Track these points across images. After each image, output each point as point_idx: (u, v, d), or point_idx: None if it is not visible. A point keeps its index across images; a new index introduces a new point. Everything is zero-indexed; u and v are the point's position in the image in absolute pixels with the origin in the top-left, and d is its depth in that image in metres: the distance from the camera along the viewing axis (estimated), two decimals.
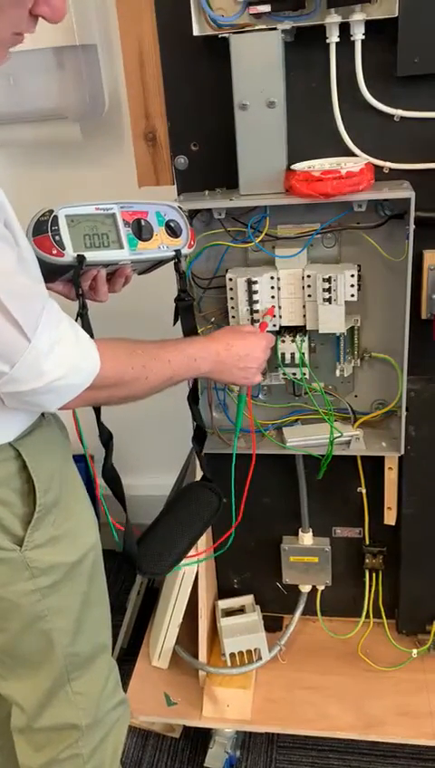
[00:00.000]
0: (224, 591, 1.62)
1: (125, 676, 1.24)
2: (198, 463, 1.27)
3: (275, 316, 1.23)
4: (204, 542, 1.44)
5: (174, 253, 1.05)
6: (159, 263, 1.09)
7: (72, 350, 0.82)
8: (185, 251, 1.07)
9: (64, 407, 0.85)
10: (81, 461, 1.10)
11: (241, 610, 1.58)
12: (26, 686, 0.99)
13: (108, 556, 1.05)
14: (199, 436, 1.20)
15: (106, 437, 0.99)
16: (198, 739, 1.56)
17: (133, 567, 1.04)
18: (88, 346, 0.84)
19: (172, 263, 1.07)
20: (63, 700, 1.01)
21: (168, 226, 1.04)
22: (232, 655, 1.50)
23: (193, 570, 1.47)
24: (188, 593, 1.50)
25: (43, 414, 0.95)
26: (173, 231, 1.05)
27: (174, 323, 1.13)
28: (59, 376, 0.80)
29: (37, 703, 1.00)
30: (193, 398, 1.17)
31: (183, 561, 1.09)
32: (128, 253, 0.99)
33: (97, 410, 0.99)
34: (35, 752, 1.03)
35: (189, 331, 1.13)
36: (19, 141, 1.63)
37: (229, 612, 1.57)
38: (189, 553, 1.10)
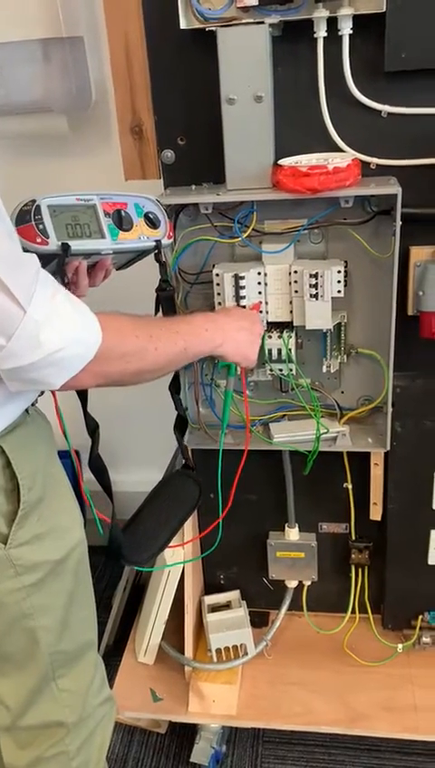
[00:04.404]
0: (210, 587, 1.62)
1: (111, 673, 1.24)
2: None
3: (260, 311, 1.23)
4: (191, 537, 1.44)
5: (155, 243, 1.06)
6: (137, 256, 1.10)
7: (72, 319, 0.79)
8: (165, 242, 1.08)
9: (73, 384, 0.82)
10: (65, 457, 1.10)
11: (227, 606, 1.59)
12: (11, 684, 0.98)
13: (93, 552, 1.05)
14: (180, 425, 1.20)
15: (93, 427, 0.98)
16: (184, 734, 1.56)
17: (118, 557, 1.03)
18: (87, 315, 0.81)
19: (153, 254, 1.07)
20: (49, 698, 1.00)
21: (146, 218, 1.05)
22: (218, 650, 1.50)
23: (179, 565, 1.47)
24: (175, 589, 1.50)
25: (27, 410, 0.94)
26: (152, 222, 1.06)
27: (155, 313, 1.13)
28: (59, 347, 0.77)
29: (22, 701, 0.99)
30: (175, 388, 1.17)
31: (171, 558, 1.09)
32: (109, 242, 0.99)
33: (83, 400, 0.98)
34: (21, 750, 1.03)
35: None
36: (5, 133, 1.61)
37: (215, 608, 1.58)
38: (177, 543, 1.10)
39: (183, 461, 1.25)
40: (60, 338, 0.77)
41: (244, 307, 1.22)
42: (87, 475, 1.05)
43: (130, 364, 0.87)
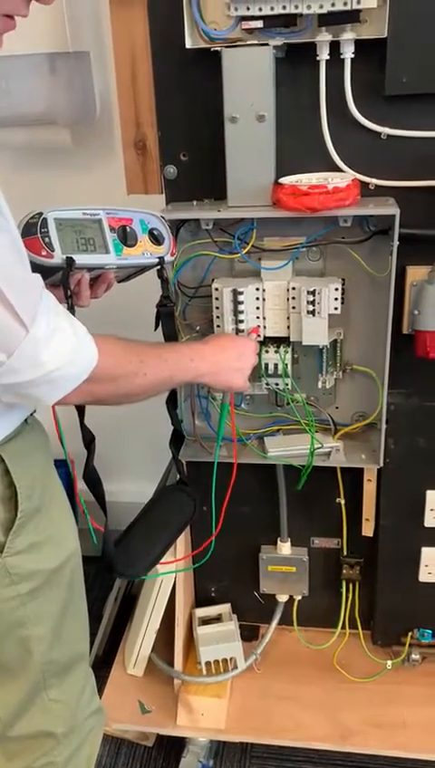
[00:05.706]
0: (201, 600, 1.62)
1: (100, 684, 1.23)
2: None
3: (259, 335, 1.24)
4: (183, 550, 1.45)
5: (158, 259, 1.08)
6: (139, 271, 1.12)
7: (70, 340, 0.81)
8: (168, 258, 1.09)
9: (63, 401, 0.84)
10: (61, 466, 1.10)
11: (218, 619, 1.58)
12: (2, 693, 0.98)
13: (85, 562, 1.05)
14: (176, 439, 1.21)
15: (88, 439, 0.99)
16: (172, 748, 1.55)
17: (110, 569, 1.04)
18: (85, 337, 0.84)
19: (155, 270, 1.09)
20: (39, 708, 1.00)
21: (151, 234, 1.07)
22: (208, 663, 1.50)
23: (171, 577, 1.47)
24: (166, 601, 1.50)
25: (26, 420, 0.95)
26: (156, 239, 1.07)
27: (155, 329, 1.14)
28: (57, 366, 0.79)
29: (12, 711, 0.99)
30: (172, 402, 1.18)
31: (162, 570, 1.09)
32: (114, 257, 1.01)
33: (80, 412, 0.99)
34: (8, 761, 1.02)
35: (170, 337, 1.15)
36: (8, 144, 1.63)
37: (206, 621, 1.57)
38: (169, 559, 1.11)
39: (177, 475, 1.25)
40: (59, 357, 0.80)
41: (242, 330, 1.23)
42: (81, 485, 1.06)
43: (119, 387, 0.90)
